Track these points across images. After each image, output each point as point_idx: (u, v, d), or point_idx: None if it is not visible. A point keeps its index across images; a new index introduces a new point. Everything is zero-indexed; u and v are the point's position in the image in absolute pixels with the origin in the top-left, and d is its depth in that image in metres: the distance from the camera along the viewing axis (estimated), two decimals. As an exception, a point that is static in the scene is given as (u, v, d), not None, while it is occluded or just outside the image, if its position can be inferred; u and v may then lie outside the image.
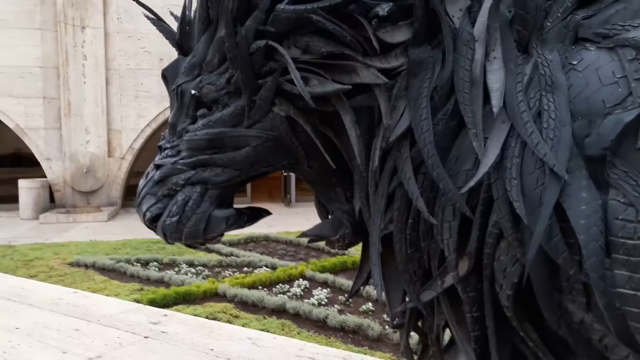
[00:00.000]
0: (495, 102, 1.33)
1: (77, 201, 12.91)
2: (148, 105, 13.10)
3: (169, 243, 1.72)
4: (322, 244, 2.39)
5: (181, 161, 1.68)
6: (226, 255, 7.33)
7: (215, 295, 5.53)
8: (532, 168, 1.23)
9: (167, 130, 1.79)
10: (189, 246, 1.77)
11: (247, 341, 3.60)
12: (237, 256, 7.26)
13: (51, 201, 12.88)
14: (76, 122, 13.02)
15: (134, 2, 1.95)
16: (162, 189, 1.69)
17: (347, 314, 4.94)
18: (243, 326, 4.54)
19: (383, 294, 1.51)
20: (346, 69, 1.47)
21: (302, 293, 5.59)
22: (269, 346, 3.51)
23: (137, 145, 13.27)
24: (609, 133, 1.17)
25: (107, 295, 5.45)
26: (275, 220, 11.09)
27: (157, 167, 1.72)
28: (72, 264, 7.23)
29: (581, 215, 1.14)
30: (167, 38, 1.85)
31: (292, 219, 10.74)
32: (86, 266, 7.09)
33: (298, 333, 4.46)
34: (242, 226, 1.72)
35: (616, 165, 1.16)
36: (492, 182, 1.28)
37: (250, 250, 7.91)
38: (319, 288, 5.67)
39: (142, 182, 1.76)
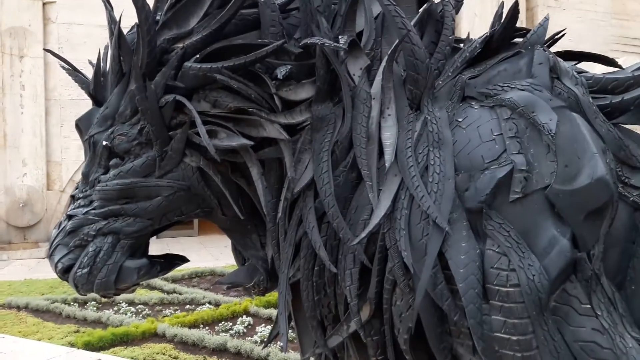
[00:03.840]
0: (388, 156, 1.43)
1: (13, 237, 12.26)
2: (91, 136, 12.74)
3: (81, 294, 1.70)
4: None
5: (93, 211, 1.67)
6: (168, 293, 7.14)
7: (154, 336, 5.36)
8: (418, 219, 1.33)
9: (80, 180, 1.78)
10: (103, 296, 1.76)
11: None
12: (180, 293, 7.09)
13: (-16, 238, 12.17)
14: (12, 153, 12.49)
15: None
16: (74, 239, 1.68)
17: (290, 350, 4.90)
18: (180, 368, 4.43)
19: (286, 341, 1.54)
20: (253, 123, 1.54)
21: (245, 330, 5.51)
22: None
23: (78, 177, 12.79)
24: (484, 187, 1.28)
25: (39, 339, 5.18)
26: (222, 253, 11.01)
27: (69, 217, 1.71)
28: (2, 306, 6.82)
29: (460, 264, 1.23)
30: (82, 88, 1.87)
31: (240, 251, 10.60)
32: (18, 308, 6.71)
33: (238, 372, 4.38)
34: (154, 276, 1.73)
35: (492, 217, 1.27)
36: (385, 231, 1.37)
37: (194, 286, 7.73)
38: (263, 324, 5.61)
39: (54, 232, 1.74)
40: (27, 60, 12.71)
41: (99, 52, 1.79)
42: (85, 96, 1.84)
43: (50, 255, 1.70)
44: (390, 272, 1.37)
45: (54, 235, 1.72)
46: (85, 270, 1.62)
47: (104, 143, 1.68)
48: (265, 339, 5.30)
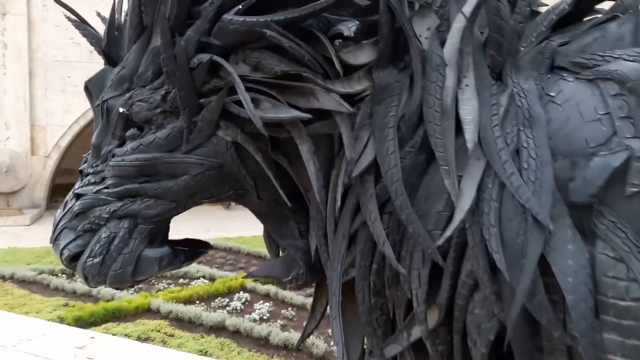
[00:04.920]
0: (470, 136, 1.19)
1: (-5, 203, 11.87)
2: (76, 100, 12.20)
3: (91, 287, 1.46)
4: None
5: (106, 190, 1.43)
6: (161, 265, 6.93)
7: (148, 311, 5.17)
8: (512, 214, 1.11)
9: (89, 152, 1.53)
10: (117, 288, 1.53)
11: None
12: (173, 266, 6.88)
13: (-35, 203, 11.77)
14: (-6, 116, 11.98)
15: None
16: (82, 222, 1.43)
17: (291, 329, 4.75)
18: (179, 347, 4.26)
19: (343, 350, 1.33)
20: (303, 92, 1.29)
21: (242, 307, 5.35)
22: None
23: (64, 142, 12.39)
24: (595, 178, 1.06)
25: (26, 313, 4.96)
26: (214, 224, 10.76)
27: (78, 196, 1.46)
28: (-15, 277, 6.55)
29: (568, 271, 1.02)
30: (91, 44, 1.59)
31: (231, 223, 10.37)
32: (3, 278, 6.45)
33: (238, 353, 4.23)
34: (178, 267, 1.50)
35: (604, 214, 1.05)
36: (467, 227, 1.15)
37: (187, 258, 7.53)
38: (261, 301, 5.45)
39: (59, 212, 1.50)
40: (9, 18, 12.08)
41: (114, 2, 1.51)
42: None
43: (54, 240, 1.46)
44: (468, 275, 1.15)
45: (58, 217, 1.47)
46: (97, 259, 1.38)
47: (121, 110, 1.42)
48: (263, 317, 5.16)
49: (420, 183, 1.24)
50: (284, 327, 4.81)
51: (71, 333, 4.01)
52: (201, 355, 4.17)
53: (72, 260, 1.43)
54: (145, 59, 1.43)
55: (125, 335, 4.50)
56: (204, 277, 6.38)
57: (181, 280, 6.30)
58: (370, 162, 1.23)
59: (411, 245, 1.21)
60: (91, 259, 1.40)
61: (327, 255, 1.35)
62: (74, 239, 1.43)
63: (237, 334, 4.61)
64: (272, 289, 5.69)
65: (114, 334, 4.45)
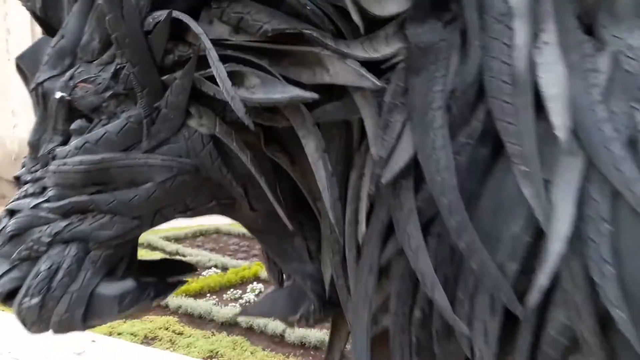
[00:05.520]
0: (559, 119, 0.79)
1: (6, 191, 11.70)
2: (83, 84, 11.95)
3: (32, 332, 1.11)
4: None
5: (46, 205, 1.06)
6: (171, 254, 6.65)
7: (156, 306, 4.88)
8: (636, 243, 0.71)
9: (27, 154, 1.16)
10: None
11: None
12: (184, 255, 6.59)
13: (-24, 192, 11.65)
14: (1, 103, 11.76)
15: None
16: (18, 248, 1.07)
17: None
18: (187, 347, 3.97)
19: None
20: (306, 60, 0.88)
21: (255, 299, 5.03)
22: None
23: (73, 128, 12.15)
24: None
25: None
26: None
27: (11, 213, 1.10)
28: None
29: None
30: (25, 6, 1.20)
31: (245, 207, 10.07)
32: None
33: (252, 353, 3.92)
34: (147, 305, 1.13)
35: None
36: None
37: (199, 246, 7.24)
38: (275, 292, 5.13)
39: None
40: (11, 3, 11.72)
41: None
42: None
43: None
44: (560, 332, 0.77)
45: None
46: (36, 300, 1.03)
47: (59, 95, 1.05)
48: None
49: (482, 190, 0.84)
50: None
51: (70, 336, 3.73)
52: (211, 356, 3.88)
53: (7, 298, 1.08)
54: (89, 23, 1.04)
55: (132, 334, 4.22)
56: (215, 266, 6.07)
57: (192, 270, 6.00)
58: (408, 162, 0.84)
59: (472, 284, 0.82)
60: (28, 298, 1.04)
61: (347, 291, 0.97)
62: (7, 271, 1.08)
63: (250, 331, 4.30)
64: (287, 279, 5.36)
65: (119, 333, 4.18)
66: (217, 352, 3.94)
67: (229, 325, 4.40)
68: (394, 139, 0.84)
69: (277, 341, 4.13)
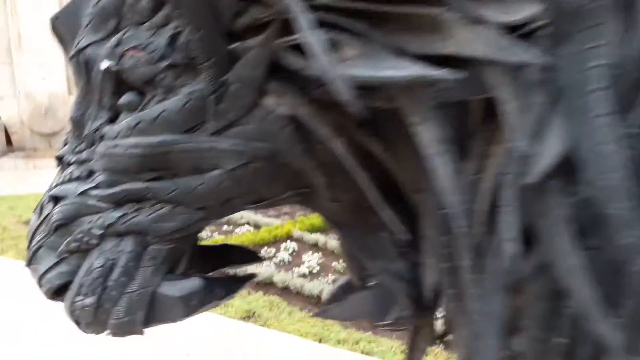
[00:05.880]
0: None
1: (37, 144, 11.86)
2: (109, 36, 11.75)
3: (88, 333, 1.00)
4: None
5: (95, 192, 0.92)
6: (203, 210, 6.64)
7: (192, 264, 4.89)
8: None
9: (69, 131, 1.01)
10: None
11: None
12: (215, 211, 6.58)
13: (8, 144, 11.83)
14: (29, 56, 11.72)
15: None
16: (65, 239, 0.94)
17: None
18: (224, 306, 3.95)
19: None
20: (423, 24, 0.69)
21: (290, 259, 4.99)
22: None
23: (101, 81, 12.07)
24: None
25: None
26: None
27: (55, 199, 0.97)
28: (28, 223, 6.44)
29: None
30: None
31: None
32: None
33: (289, 314, 3.89)
34: (215, 305, 1.00)
35: None
36: None
37: (229, 202, 7.22)
38: (309, 252, 5.07)
39: (33, 220, 1.02)
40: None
41: None
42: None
43: (29, 262, 0.99)
44: None
45: (32, 227, 1.00)
46: (91, 300, 0.90)
47: (105, 65, 0.89)
48: (313, 270, 4.81)
49: None
50: (335, 283, 4.44)
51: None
52: (248, 316, 3.88)
53: (56, 294, 0.96)
54: (139, -24, 0.86)
55: (169, 292, 4.24)
56: (248, 223, 6.05)
57: (225, 227, 5.99)
58: (559, 158, 0.65)
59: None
60: (81, 297, 0.92)
61: (459, 304, 0.81)
62: (55, 264, 0.95)
63: (286, 291, 4.28)
64: (320, 238, 5.29)
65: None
66: (254, 313, 3.93)
67: (265, 285, 4.38)
68: (539, 127, 0.66)
69: (314, 302, 4.09)
